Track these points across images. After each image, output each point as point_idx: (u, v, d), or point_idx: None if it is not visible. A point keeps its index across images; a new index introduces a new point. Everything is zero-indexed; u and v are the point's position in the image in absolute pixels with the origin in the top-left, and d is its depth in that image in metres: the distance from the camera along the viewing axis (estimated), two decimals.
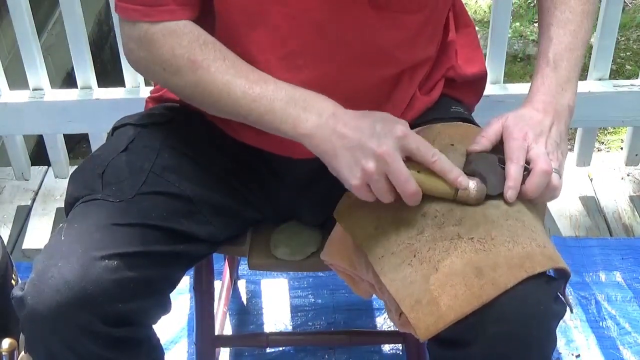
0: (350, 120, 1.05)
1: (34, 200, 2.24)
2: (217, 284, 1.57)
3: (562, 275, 1.06)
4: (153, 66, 1.14)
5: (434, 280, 0.99)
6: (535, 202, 1.09)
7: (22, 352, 1.40)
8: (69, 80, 3.17)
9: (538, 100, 1.13)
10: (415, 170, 1.03)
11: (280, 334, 1.79)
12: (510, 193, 1.05)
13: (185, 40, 1.11)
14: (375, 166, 1.01)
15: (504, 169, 1.06)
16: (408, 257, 1.02)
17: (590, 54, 2.08)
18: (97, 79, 2.10)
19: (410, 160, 1.04)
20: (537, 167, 1.05)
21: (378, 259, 1.05)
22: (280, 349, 1.75)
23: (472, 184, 1.04)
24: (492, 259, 1.00)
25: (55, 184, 2.28)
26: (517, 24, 3.66)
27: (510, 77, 3.25)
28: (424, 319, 0.98)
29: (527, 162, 1.06)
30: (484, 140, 1.10)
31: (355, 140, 1.03)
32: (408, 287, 1.00)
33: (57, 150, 2.22)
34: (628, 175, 2.25)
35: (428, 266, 1.00)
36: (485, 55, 1.79)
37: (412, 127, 1.23)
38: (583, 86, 2.05)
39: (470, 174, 1.08)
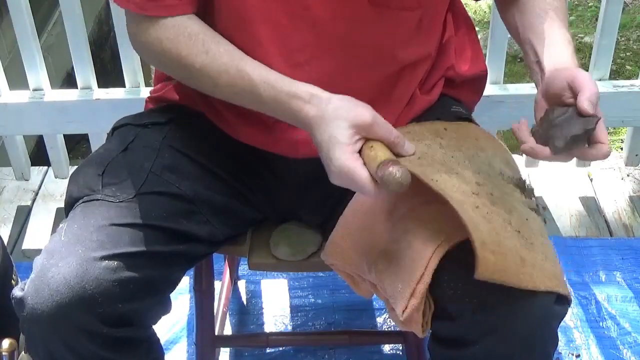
0: (314, 136, 1.05)
1: (34, 200, 2.24)
2: (217, 284, 1.57)
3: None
4: (149, 58, 1.18)
5: (494, 238, 0.99)
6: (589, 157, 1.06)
7: (22, 352, 1.40)
8: (69, 80, 3.17)
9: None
10: (370, 145, 1.02)
11: (280, 334, 1.80)
12: (585, 103, 1.01)
13: (172, 33, 1.12)
14: (340, 184, 1.03)
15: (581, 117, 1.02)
16: (470, 202, 1.01)
17: (590, 54, 2.08)
18: (97, 79, 2.10)
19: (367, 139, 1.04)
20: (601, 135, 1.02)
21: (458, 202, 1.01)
22: (280, 349, 1.75)
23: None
24: (532, 259, 1.02)
25: (55, 184, 2.28)
26: None
27: (510, 77, 3.25)
28: (487, 263, 0.97)
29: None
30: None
31: (321, 155, 1.04)
32: (478, 224, 0.99)
33: (57, 150, 2.22)
34: (628, 175, 2.25)
35: (488, 225, 1.00)
36: (485, 55, 1.79)
37: None
38: None
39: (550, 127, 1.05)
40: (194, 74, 1.12)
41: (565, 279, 1.06)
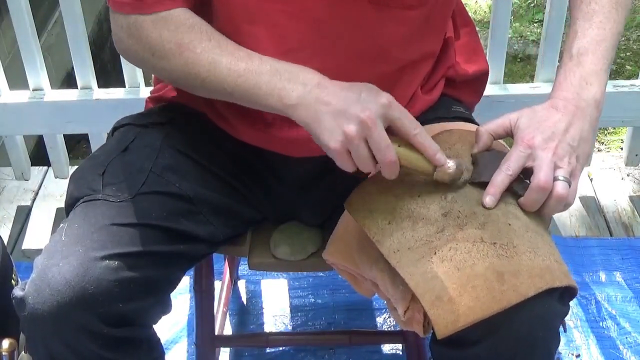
0: (336, 90, 1.04)
1: (34, 200, 2.24)
2: (217, 284, 1.57)
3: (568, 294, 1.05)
4: (142, 53, 1.13)
5: (455, 279, 0.98)
6: (543, 214, 1.07)
7: (22, 352, 1.40)
8: (69, 80, 3.17)
9: (558, 97, 1.09)
10: (396, 144, 1.03)
11: (280, 334, 1.79)
12: (488, 199, 1.04)
13: (172, 25, 1.10)
14: (357, 129, 1.00)
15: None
16: (427, 253, 1.01)
17: None
18: (97, 79, 2.10)
19: (391, 135, 1.03)
20: (534, 182, 1.03)
21: (393, 253, 1.03)
22: (280, 349, 1.75)
23: (450, 163, 1.04)
24: (514, 267, 0.99)
25: (55, 184, 2.28)
26: (517, 24, 3.66)
27: (510, 77, 3.25)
28: (444, 316, 0.97)
29: (530, 172, 1.05)
30: (484, 138, 1.09)
31: (339, 106, 1.02)
32: (428, 283, 0.99)
33: (57, 150, 2.22)
34: (628, 175, 2.25)
35: (449, 265, 0.99)
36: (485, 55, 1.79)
37: None
38: None
39: (473, 160, 1.08)
40: (191, 60, 1.09)
41: (565, 267, 1.03)
